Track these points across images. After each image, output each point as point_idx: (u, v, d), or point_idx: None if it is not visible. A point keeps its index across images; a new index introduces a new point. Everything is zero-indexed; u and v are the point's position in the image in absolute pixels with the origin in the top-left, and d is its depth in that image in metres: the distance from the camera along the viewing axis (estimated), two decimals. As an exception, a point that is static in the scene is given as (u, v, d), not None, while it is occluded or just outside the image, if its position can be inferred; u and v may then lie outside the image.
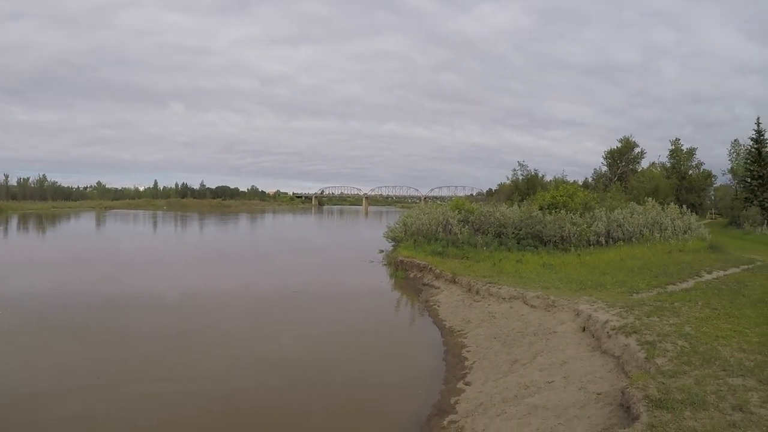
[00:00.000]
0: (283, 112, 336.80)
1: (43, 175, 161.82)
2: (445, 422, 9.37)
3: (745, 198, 54.17)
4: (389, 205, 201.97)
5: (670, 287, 16.22)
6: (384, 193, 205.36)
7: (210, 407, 10.68)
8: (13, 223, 72.63)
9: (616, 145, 77.01)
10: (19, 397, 10.83)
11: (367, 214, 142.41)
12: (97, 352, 13.97)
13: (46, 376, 12.21)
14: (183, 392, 11.41)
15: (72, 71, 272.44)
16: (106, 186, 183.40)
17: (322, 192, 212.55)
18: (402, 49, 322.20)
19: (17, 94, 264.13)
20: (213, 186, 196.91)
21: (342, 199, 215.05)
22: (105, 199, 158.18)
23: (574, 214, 32.15)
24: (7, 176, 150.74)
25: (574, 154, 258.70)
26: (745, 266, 20.71)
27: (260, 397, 11.37)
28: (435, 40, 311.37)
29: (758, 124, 54.47)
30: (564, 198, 35.52)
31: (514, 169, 57.32)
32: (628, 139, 75.88)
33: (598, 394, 8.46)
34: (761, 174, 52.99)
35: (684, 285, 16.57)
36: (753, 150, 55.12)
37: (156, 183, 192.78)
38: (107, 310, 18.81)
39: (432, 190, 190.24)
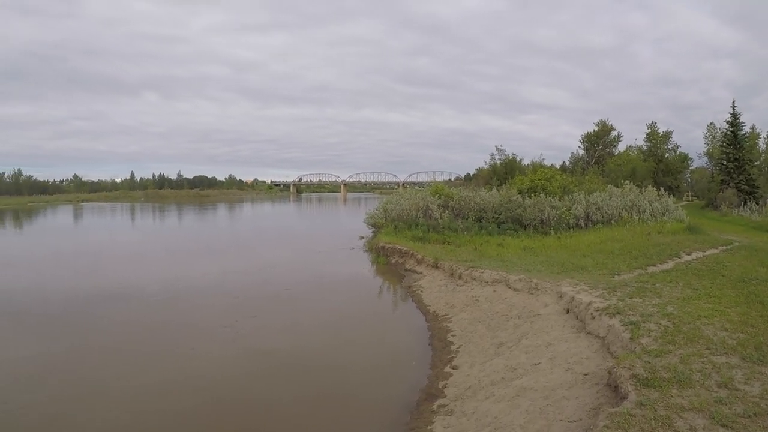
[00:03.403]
0: (257, 100, 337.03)
1: (18, 169, 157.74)
2: (435, 406, 9.45)
3: (722, 180, 54.80)
4: (368, 191, 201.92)
5: (651, 268, 16.39)
6: (362, 180, 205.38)
7: (196, 399, 10.68)
8: None
9: (592, 128, 77.28)
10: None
11: (345, 201, 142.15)
12: (76, 350, 13.98)
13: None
14: (167, 385, 11.40)
15: (41, 63, 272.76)
16: (83, 179, 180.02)
17: (300, 179, 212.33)
18: (374, 34, 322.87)
19: None
20: (190, 176, 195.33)
21: (320, 187, 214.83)
22: (82, 192, 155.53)
23: (552, 197, 32.19)
24: None
25: (551, 138, 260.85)
26: (724, 247, 20.98)
27: (246, 388, 11.34)
28: (407, 24, 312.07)
29: (734, 107, 55.04)
30: (542, 182, 35.52)
31: (492, 154, 57.34)
32: (604, 122, 76.19)
33: (585, 374, 8.58)
34: (737, 156, 53.56)
35: (664, 266, 16.75)
36: (729, 133, 55.63)
37: (133, 174, 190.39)
38: (84, 306, 18.65)
39: (410, 175, 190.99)
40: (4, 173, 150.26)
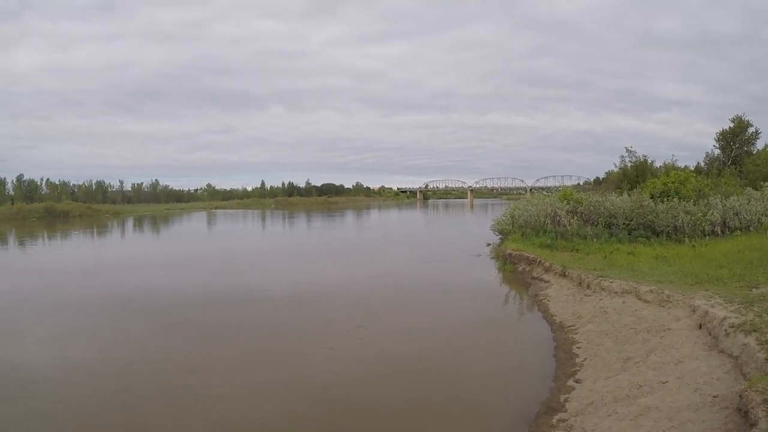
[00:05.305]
0: (381, 108, 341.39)
1: (156, 179, 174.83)
2: (554, 420, 9.37)
3: None
4: (494, 197, 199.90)
5: (794, 281, 15.37)
6: (489, 185, 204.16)
7: (318, 399, 11.26)
8: (129, 224, 78.14)
9: (728, 125, 72.47)
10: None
11: (472, 207, 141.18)
12: (203, 348, 14.98)
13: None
14: (284, 384, 12.11)
15: (173, 83, 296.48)
16: (216, 187, 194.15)
17: (427, 186, 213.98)
18: (494, 37, 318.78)
19: (124, 107, 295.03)
20: (318, 184, 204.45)
21: (447, 193, 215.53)
22: (215, 200, 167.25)
23: (687, 202, 30.47)
24: (122, 182, 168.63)
25: (684, 137, 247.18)
26: None
27: (362, 389, 11.83)
28: (527, 24, 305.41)
29: None
30: (676, 185, 33.68)
31: (622, 156, 54.26)
32: (740, 118, 70.76)
33: (714, 396, 8.23)
34: None
35: (809, 278, 15.65)
36: None
37: (263, 183, 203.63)
38: (214, 307, 20.13)
39: (538, 180, 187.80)
40: (142, 183, 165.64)
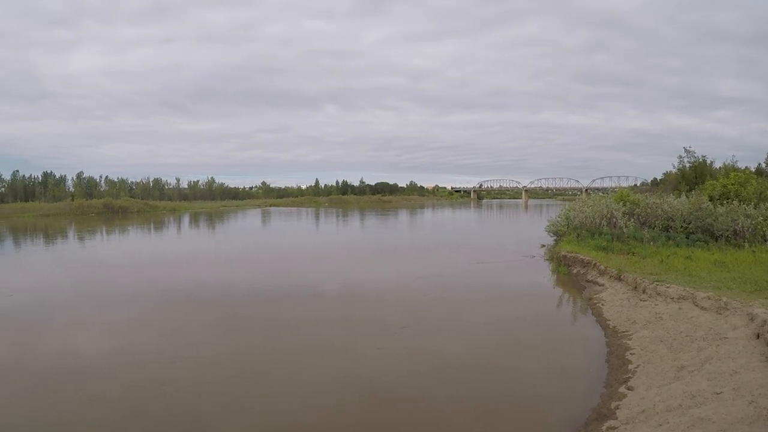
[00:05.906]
0: (434, 107, 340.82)
1: (211, 177, 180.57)
2: (604, 427, 9.27)
3: None
4: (549, 197, 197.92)
5: None
6: (543, 186, 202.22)
7: (367, 397, 11.44)
8: (185, 220, 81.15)
9: (789, 123, 69.31)
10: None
11: (526, 207, 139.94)
12: (253, 344, 15.37)
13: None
14: (335, 382, 12.21)
15: (226, 83, 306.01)
16: (270, 185, 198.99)
17: (481, 186, 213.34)
18: (546, 34, 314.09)
19: (179, 107, 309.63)
20: (372, 182, 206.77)
21: (501, 193, 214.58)
22: (269, 198, 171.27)
23: (747, 205, 29.19)
24: (178, 180, 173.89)
25: (744, 137, 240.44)
26: None
27: (412, 387, 11.92)
28: (580, 20, 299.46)
29: None
30: (736, 187, 32.54)
31: (680, 156, 52.45)
32: None
33: (770, 409, 8.06)
34: None
35: None
36: None
37: (317, 181, 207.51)
38: (262, 301, 20.86)
39: (593, 181, 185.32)
40: (198, 181, 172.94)
